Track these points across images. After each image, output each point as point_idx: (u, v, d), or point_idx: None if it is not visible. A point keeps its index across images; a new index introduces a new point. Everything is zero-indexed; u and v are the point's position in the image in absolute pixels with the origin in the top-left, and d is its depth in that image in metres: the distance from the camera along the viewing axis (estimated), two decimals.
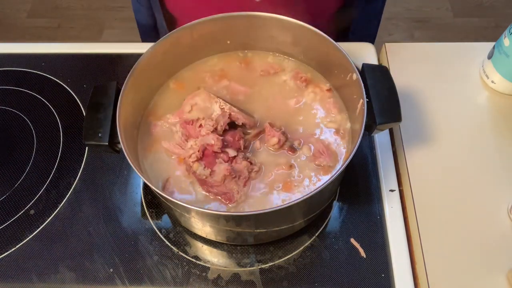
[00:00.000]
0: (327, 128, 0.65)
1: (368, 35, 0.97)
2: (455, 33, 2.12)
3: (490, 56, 0.77)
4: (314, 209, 0.62)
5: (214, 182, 0.59)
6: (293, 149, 0.63)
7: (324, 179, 0.60)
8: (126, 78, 0.60)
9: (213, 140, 0.60)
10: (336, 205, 0.68)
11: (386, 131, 0.75)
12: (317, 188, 0.52)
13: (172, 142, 0.63)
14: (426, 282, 0.60)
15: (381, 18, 0.96)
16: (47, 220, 0.68)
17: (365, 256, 0.63)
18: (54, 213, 0.68)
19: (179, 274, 0.62)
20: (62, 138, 0.76)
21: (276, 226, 0.60)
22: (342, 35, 0.96)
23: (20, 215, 0.68)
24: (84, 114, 0.78)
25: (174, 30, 0.65)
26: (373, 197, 0.68)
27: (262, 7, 0.67)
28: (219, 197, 0.59)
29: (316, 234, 0.65)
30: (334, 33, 0.95)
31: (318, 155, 0.61)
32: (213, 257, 0.64)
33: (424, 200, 0.66)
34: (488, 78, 0.78)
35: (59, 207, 0.69)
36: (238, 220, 0.56)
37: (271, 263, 0.63)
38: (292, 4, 0.80)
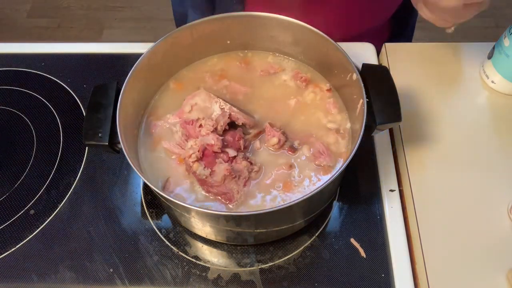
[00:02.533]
0: (327, 128, 0.65)
1: (412, 29, 1.01)
2: (455, 33, 2.12)
3: (490, 56, 0.77)
4: (314, 209, 0.62)
5: (214, 182, 0.59)
6: (293, 149, 0.63)
7: (324, 179, 0.60)
8: (126, 78, 0.60)
9: (213, 140, 0.60)
10: (336, 205, 0.68)
11: (386, 131, 0.75)
12: (317, 188, 0.52)
13: (172, 142, 0.63)
14: (426, 282, 0.60)
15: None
16: (47, 220, 0.68)
17: (365, 256, 0.63)
18: (54, 213, 0.68)
19: (179, 274, 0.62)
20: (62, 138, 0.76)
21: (276, 226, 0.60)
22: (395, 35, 0.97)
23: (20, 215, 0.68)
24: (84, 114, 0.78)
25: (174, 30, 0.65)
26: (373, 197, 0.68)
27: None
28: (219, 197, 0.59)
29: (316, 234, 0.65)
30: (387, 34, 0.97)
31: (318, 155, 0.61)
32: (213, 257, 0.64)
33: (424, 200, 0.66)
34: (488, 78, 0.78)
35: (59, 207, 0.69)
36: (238, 220, 0.56)
37: (271, 263, 0.63)
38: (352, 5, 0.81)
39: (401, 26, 0.97)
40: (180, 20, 0.97)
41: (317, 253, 0.64)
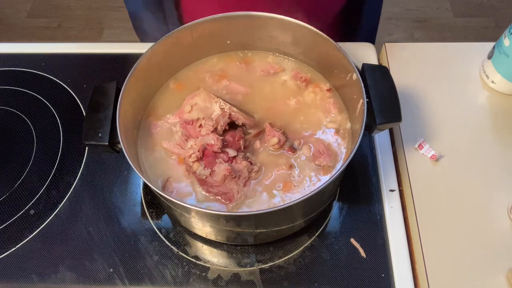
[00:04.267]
0: (327, 128, 0.65)
1: (371, 31, 0.97)
2: (455, 33, 2.12)
3: (490, 56, 0.77)
4: (314, 209, 0.62)
5: (214, 182, 0.59)
6: (293, 149, 0.63)
7: (324, 179, 0.60)
8: (126, 78, 0.60)
9: (213, 140, 0.60)
10: (336, 205, 0.68)
11: (386, 131, 0.75)
12: (317, 188, 0.52)
13: (172, 142, 0.63)
14: (426, 282, 0.60)
15: (380, 12, 0.96)
16: (47, 220, 0.68)
17: (365, 256, 0.63)
18: (54, 213, 0.68)
19: (179, 274, 0.62)
20: (62, 138, 0.76)
21: (276, 226, 0.60)
22: (348, 35, 0.96)
23: (20, 215, 0.68)
24: (84, 114, 0.78)
25: (174, 30, 0.65)
26: (373, 197, 0.68)
27: (261, 6, 0.67)
28: (219, 197, 0.59)
29: (316, 234, 0.65)
30: (339, 33, 0.95)
31: (318, 155, 0.61)
32: (213, 257, 0.64)
33: (424, 200, 0.66)
34: (488, 78, 0.78)
35: (59, 207, 0.69)
36: (238, 220, 0.56)
37: (271, 263, 0.63)
38: (294, 3, 0.80)
39: (354, 22, 0.94)
40: (134, 19, 0.96)
41: (317, 253, 0.64)
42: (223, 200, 0.59)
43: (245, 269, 0.63)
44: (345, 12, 0.90)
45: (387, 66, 0.81)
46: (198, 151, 0.60)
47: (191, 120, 0.63)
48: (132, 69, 0.61)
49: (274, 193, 0.59)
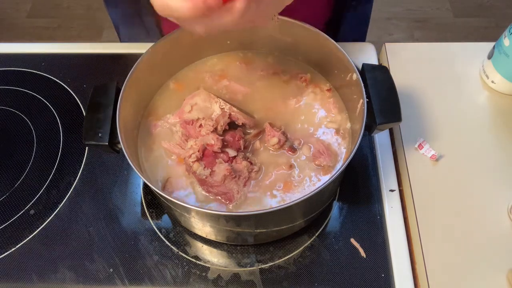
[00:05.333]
0: (327, 128, 0.65)
1: (358, 39, 0.96)
2: (455, 33, 2.12)
3: (490, 56, 0.77)
4: (314, 209, 0.62)
5: (214, 182, 0.59)
6: (293, 149, 0.63)
7: (324, 179, 0.60)
8: (126, 78, 0.60)
9: (213, 140, 0.60)
10: (336, 205, 0.68)
11: (386, 131, 0.75)
12: (317, 188, 0.52)
13: (172, 142, 0.63)
14: (426, 282, 0.60)
15: (369, 22, 0.95)
16: (47, 220, 0.68)
17: (365, 256, 0.63)
18: (54, 213, 0.68)
19: (179, 274, 0.62)
20: (62, 138, 0.76)
21: (276, 226, 0.60)
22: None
23: (20, 215, 0.68)
24: (84, 114, 0.78)
25: (174, 30, 0.65)
26: (373, 197, 0.68)
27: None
28: (219, 197, 0.59)
29: (316, 234, 0.65)
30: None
31: (318, 155, 0.61)
32: (213, 257, 0.64)
33: (424, 200, 0.66)
34: (488, 78, 0.78)
35: (59, 207, 0.69)
36: (238, 220, 0.56)
37: (271, 263, 0.63)
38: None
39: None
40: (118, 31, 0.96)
41: (317, 253, 0.64)
42: (223, 200, 0.59)
43: (245, 269, 0.63)
44: (329, 24, 0.89)
45: (387, 66, 0.81)
46: (198, 151, 0.60)
47: (191, 120, 0.63)
48: (132, 69, 0.61)
49: (274, 193, 0.59)
